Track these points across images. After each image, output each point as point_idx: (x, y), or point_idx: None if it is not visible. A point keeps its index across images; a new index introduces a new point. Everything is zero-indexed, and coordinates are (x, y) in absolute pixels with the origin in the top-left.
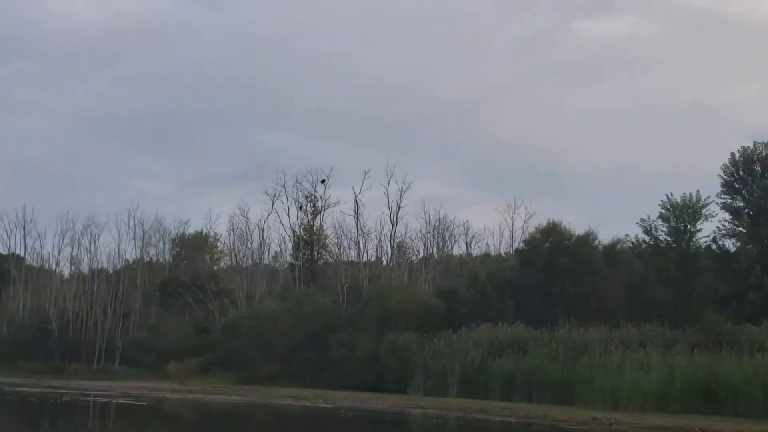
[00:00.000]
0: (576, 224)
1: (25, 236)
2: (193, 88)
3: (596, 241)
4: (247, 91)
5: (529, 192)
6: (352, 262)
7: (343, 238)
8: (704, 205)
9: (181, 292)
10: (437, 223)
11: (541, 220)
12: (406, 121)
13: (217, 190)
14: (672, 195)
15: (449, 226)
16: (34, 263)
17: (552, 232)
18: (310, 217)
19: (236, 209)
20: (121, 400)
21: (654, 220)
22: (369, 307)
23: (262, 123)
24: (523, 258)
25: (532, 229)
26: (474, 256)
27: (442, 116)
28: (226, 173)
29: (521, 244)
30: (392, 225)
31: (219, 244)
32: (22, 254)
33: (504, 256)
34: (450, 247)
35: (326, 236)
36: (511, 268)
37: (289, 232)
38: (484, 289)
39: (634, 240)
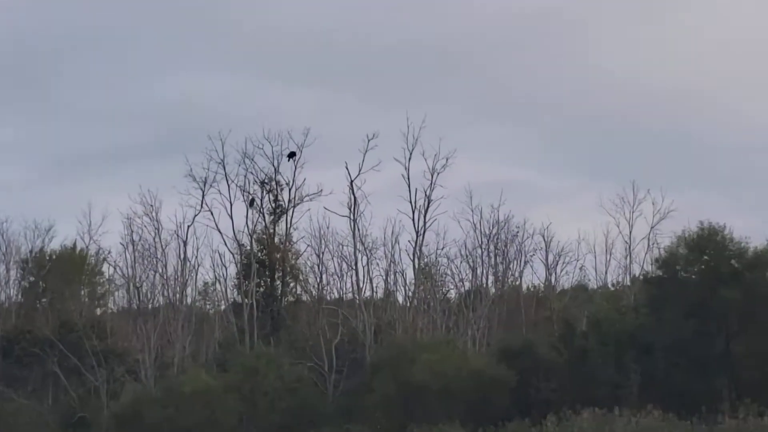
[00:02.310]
0: (750, 231)
1: None
2: None
3: None
4: (154, 3)
5: (660, 174)
6: (342, 299)
7: (329, 256)
8: None
9: (40, 354)
10: (496, 230)
11: (684, 224)
12: (437, 52)
13: (101, 174)
14: None
15: (516, 234)
16: None
17: (707, 244)
18: (268, 218)
19: (136, 206)
20: None
21: None
22: (378, 380)
23: (181, 57)
24: (654, 292)
25: (668, 241)
26: (563, 288)
27: (501, 44)
28: (118, 144)
29: (650, 268)
30: (416, 232)
31: (107, 267)
32: None
33: (616, 288)
34: (519, 273)
35: (297, 253)
36: (634, 311)
37: (233, 246)
38: (585, 349)
39: None
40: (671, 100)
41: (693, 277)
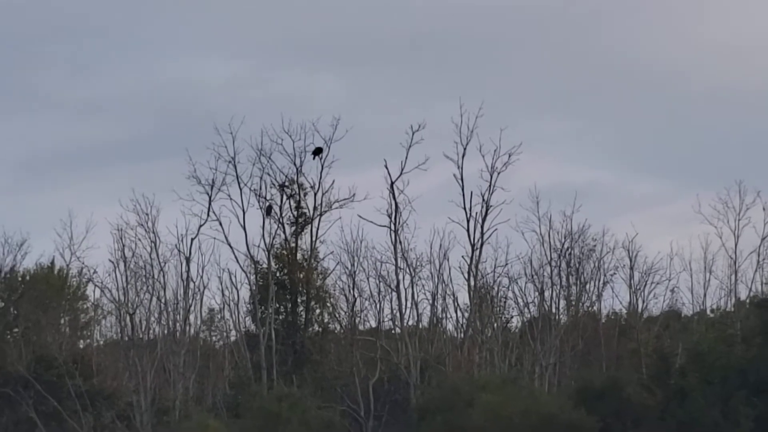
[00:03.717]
0: None
1: None
2: None
3: None
4: None
5: None
6: (378, 329)
7: (364, 276)
8: None
9: (11, 396)
10: (568, 244)
11: None
12: (494, 27)
13: (85, 177)
14: None
15: (594, 248)
16: None
17: None
18: (289, 230)
19: (128, 215)
20: None
21: None
22: (426, 426)
23: (182, 36)
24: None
25: None
26: (651, 315)
27: (571, 18)
28: (106, 141)
29: (762, 288)
30: (472, 246)
31: (92, 290)
32: None
33: (716, 313)
34: (596, 296)
35: (325, 273)
36: (744, 341)
37: (246, 263)
38: (684, 388)
39: None
40: None
41: None
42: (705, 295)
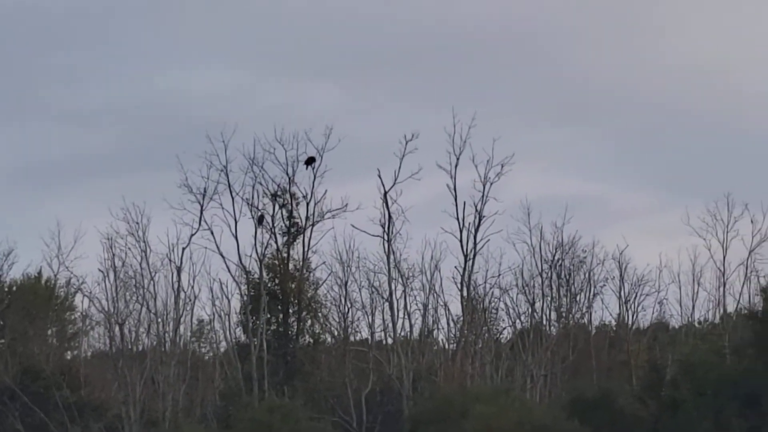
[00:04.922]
0: None
1: None
2: None
3: None
4: None
5: (761, 187)
6: (370, 340)
7: (356, 286)
8: None
9: None
10: (559, 255)
11: None
12: (486, 38)
13: (74, 186)
14: None
15: (584, 259)
16: None
17: None
18: (281, 240)
19: (119, 224)
20: None
21: None
22: None
23: (173, 47)
24: (760, 329)
25: None
26: (640, 326)
27: (564, 31)
28: (95, 150)
29: (751, 300)
30: (465, 256)
31: (80, 300)
32: None
33: (704, 325)
34: (586, 307)
35: (317, 283)
36: (735, 353)
37: (237, 273)
38: (677, 399)
39: None
40: None
41: None
42: (693, 307)
